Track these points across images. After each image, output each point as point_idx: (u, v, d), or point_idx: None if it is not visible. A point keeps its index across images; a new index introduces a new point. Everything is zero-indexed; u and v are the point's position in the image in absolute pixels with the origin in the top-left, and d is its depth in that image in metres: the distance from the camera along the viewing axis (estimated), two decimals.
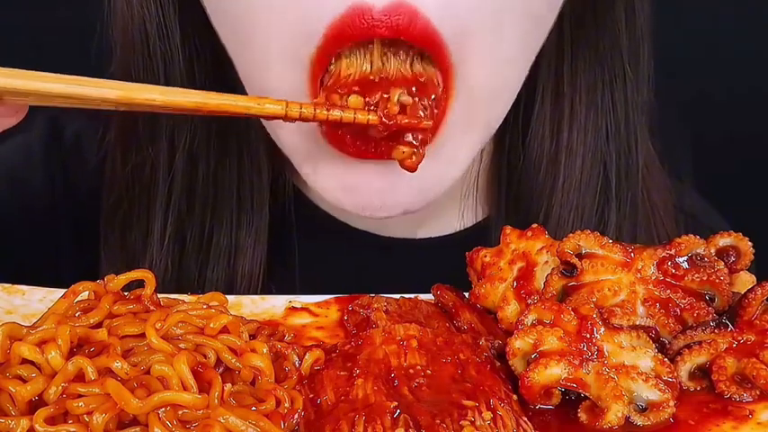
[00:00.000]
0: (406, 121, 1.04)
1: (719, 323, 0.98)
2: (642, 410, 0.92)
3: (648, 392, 0.92)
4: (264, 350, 0.93)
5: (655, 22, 1.36)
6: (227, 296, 1.04)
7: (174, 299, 1.01)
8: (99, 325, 0.92)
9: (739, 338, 0.97)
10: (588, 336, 0.95)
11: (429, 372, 0.93)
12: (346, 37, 1.02)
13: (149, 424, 0.83)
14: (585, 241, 1.03)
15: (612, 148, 1.36)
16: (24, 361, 0.87)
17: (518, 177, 1.40)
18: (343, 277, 1.36)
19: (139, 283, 0.98)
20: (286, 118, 1.03)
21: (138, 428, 0.84)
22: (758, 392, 0.94)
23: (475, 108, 1.11)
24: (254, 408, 0.88)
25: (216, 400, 0.85)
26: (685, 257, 1.02)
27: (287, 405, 0.89)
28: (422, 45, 1.03)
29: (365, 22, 1.00)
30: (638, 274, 1.02)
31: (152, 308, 0.96)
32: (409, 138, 1.05)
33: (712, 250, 1.03)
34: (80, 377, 0.86)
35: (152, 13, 1.28)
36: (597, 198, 1.37)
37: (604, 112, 1.35)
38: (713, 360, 0.96)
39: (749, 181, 2.20)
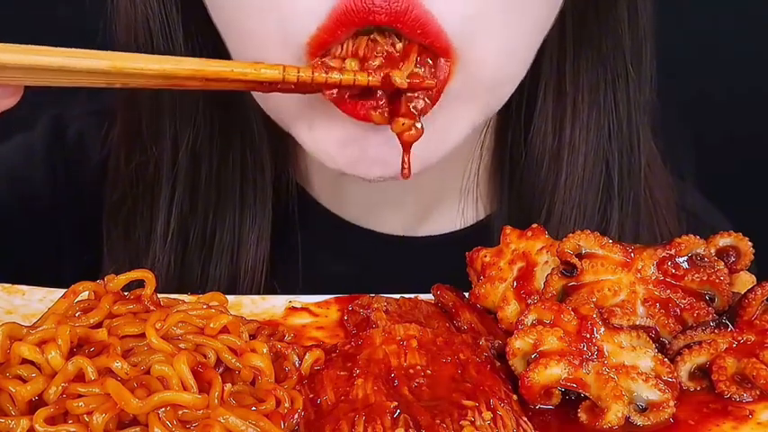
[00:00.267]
0: (408, 81, 1.04)
1: (719, 323, 0.98)
2: (642, 410, 0.92)
3: (648, 392, 0.92)
4: (264, 350, 0.93)
5: (657, 22, 1.36)
6: (227, 296, 1.04)
7: (174, 299, 1.01)
8: (99, 325, 0.92)
9: (739, 338, 0.97)
10: (588, 336, 0.95)
11: (429, 372, 0.93)
12: (346, 21, 1.02)
13: (149, 424, 0.83)
14: (585, 241, 1.03)
15: (615, 146, 1.36)
16: (24, 361, 0.87)
17: (520, 174, 1.40)
18: (345, 274, 1.37)
19: (140, 283, 0.98)
20: (283, 82, 1.02)
21: (138, 428, 0.84)
22: (758, 392, 0.94)
23: (475, 86, 1.11)
24: (254, 408, 0.88)
25: (216, 400, 0.85)
26: (685, 257, 1.02)
27: (287, 405, 0.89)
28: (420, 35, 1.03)
29: (365, 7, 1.00)
30: (638, 274, 1.02)
31: (152, 308, 0.96)
32: (409, 106, 1.05)
33: (712, 250, 1.03)
34: (80, 377, 0.86)
35: (155, 11, 1.28)
36: (599, 196, 1.36)
37: (607, 111, 1.35)
38: (713, 360, 0.96)
39: (749, 181, 2.19)
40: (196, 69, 1.00)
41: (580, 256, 1.03)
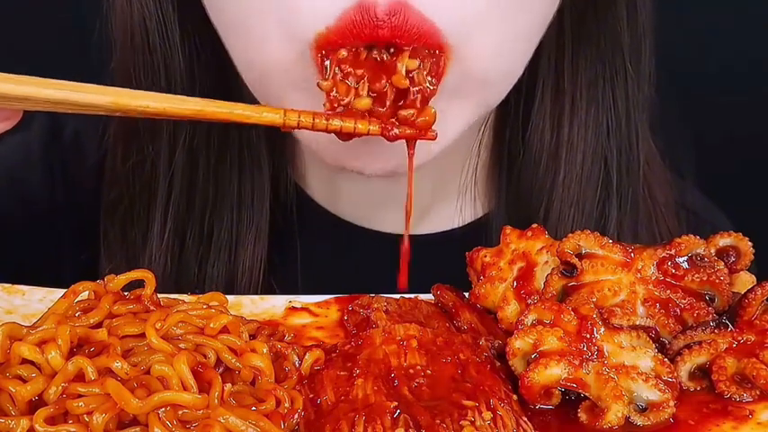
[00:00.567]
0: (409, 131, 1.04)
1: (719, 323, 0.98)
2: (642, 410, 0.92)
3: (648, 392, 0.92)
4: (264, 350, 0.93)
5: (656, 19, 1.35)
6: (227, 296, 1.03)
7: (174, 299, 1.01)
8: (99, 325, 0.92)
9: (739, 338, 0.97)
10: (588, 336, 0.95)
11: (429, 372, 0.93)
12: (349, 35, 1.02)
13: (149, 424, 0.83)
14: (585, 241, 1.03)
15: (613, 144, 1.36)
16: (24, 361, 0.87)
17: (518, 172, 1.39)
18: (344, 273, 1.37)
19: (139, 283, 0.98)
20: (284, 127, 1.02)
21: (138, 428, 0.84)
22: (758, 392, 0.94)
23: (470, 82, 1.11)
24: (254, 408, 0.88)
25: (216, 400, 0.85)
26: (685, 257, 1.02)
27: (287, 405, 0.89)
28: (418, 41, 1.03)
29: (371, 21, 1.01)
30: (638, 275, 1.02)
31: (152, 308, 0.96)
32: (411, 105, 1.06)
33: (712, 250, 1.03)
34: (80, 377, 0.86)
35: (151, 10, 1.27)
36: (598, 194, 1.36)
37: (605, 109, 1.35)
38: (713, 360, 0.96)
39: (749, 181, 2.20)
40: (197, 110, 1.00)
41: (580, 256, 1.03)
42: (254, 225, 1.37)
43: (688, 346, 0.97)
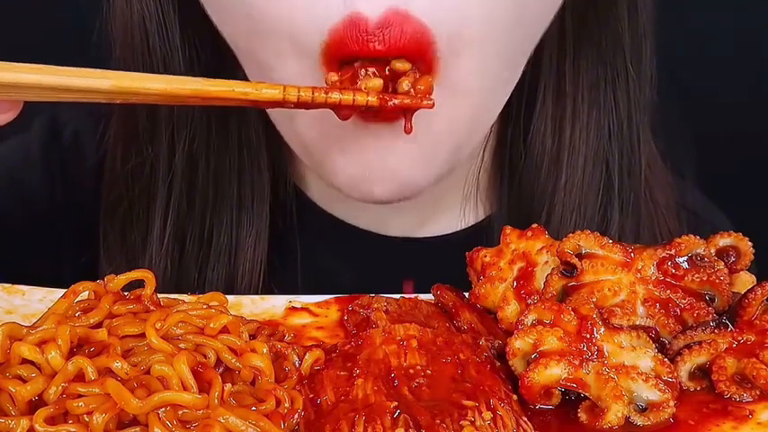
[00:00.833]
0: (408, 101, 1.04)
1: (719, 323, 0.98)
2: (642, 410, 0.92)
3: (648, 392, 0.92)
4: (264, 350, 0.93)
5: (657, 21, 1.35)
6: (227, 296, 1.03)
7: (174, 299, 1.01)
8: (99, 325, 0.92)
9: (739, 338, 0.97)
10: (588, 336, 0.95)
11: (429, 372, 0.93)
12: (345, 50, 1.02)
13: (149, 424, 0.83)
14: (585, 241, 1.03)
15: (615, 146, 1.36)
16: (24, 361, 0.87)
17: (520, 176, 1.39)
18: (344, 276, 1.37)
19: (139, 283, 0.98)
20: (284, 102, 1.01)
21: (138, 428, 0.84)
22: (758, 392, 0.94)
23: (462, 100, 1.11)
24: (254, 408, 0.88)
25: (216, 400, 0.85)
26: (685, 257, 1.02)
27: (287, 405, 0.89)
28: (412, 55, 1.04)
29: (361, 36, 1.01)
30: (638, 275, 1.02)
31: (152, 308, 0.96)
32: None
33: (712, 250, 1.03)
34: (80, 377, 0.86)
35: (151, 11, 1.27)
36: (600, 197, 1.36)
37: (606, 111, 1.34)
38: (713, 360, 0.96)
39: (749, 181, 2.20)
40: (197, 89, 0.99)
41: (580, 256, 1.03)
42: (254, 228, 1.37)
43: (688, 346, 0.97)
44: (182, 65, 1.29)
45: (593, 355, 0.94)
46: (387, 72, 1.05)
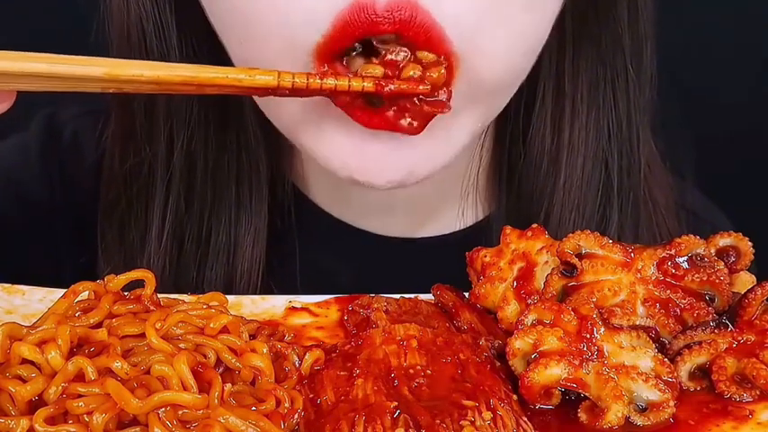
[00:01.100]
0: (404, 86, 1.03)
1: (719, 323, 0.98)
2: (642, 410, 0.92)
3: (648, 392, 0.92)
4: (264, 350, 0.93)
5: (657, 21, 1.35)
6: (227, 296, 1.03)
7: (174, 299, 1.01)
8: (99, 325, 0.92)
9: (739, 338, 0.97)
10: (588, 336, 0.95)
11: (429, 372, 0.93)
12: (349, 33, 1.01)
13: (149, 424, 0.83)
14: (585, 241, 1.03)
15: (614, 146, 1.36)
16: (24, 361, 0.87)
17: (519, 176, 1.39)
18: (343, 276, 1.37)
19: (139, 283, 0.98)
20: (278, 88, 1.00)
21: (138, 428, 0.84)
22: (758, 392, 0.94)
23: (478, 93, 1.11)
24: (254, 408, 0.88)
25: (216, 400, 0.85)
26: (685, 257, 1.02)
27: (287, 405, 0.89)
28: (424, 42, 1.03)
29: (368, 18, 1.00)
30: (638, 275, 1.02)
31: (152, 308, 0.96)
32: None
33: (712, 250, 1.03)
34: (80, 377, 0.86)
35: (148, 11, 1.27)
36: (599, 197, 1.36)
37: (606, 111, 1.34)
38: (713, 360, 0.96)
39: (749, 181, 2.20)
40: (191, 76, 0.98)
41: (580, 256, 1.03)
42: (253, 227, 1.37)
43: (688, 346, 0.97)
44: None
45: (593, 355, 0.94)
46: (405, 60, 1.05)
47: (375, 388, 0.91)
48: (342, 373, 0.94)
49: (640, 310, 1.01)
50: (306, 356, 0.96)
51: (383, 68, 1.03)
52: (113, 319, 0.93)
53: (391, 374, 0.93)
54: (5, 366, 0.87)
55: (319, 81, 1.01)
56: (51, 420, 0.83)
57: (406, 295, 1.12)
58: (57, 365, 0.86)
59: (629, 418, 0.91)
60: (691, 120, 1.45)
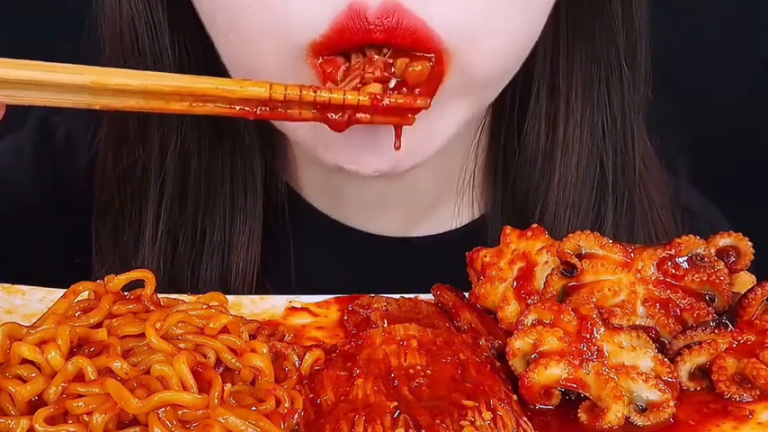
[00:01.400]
0: (401, 100, 1.03)
1: (719, 323, 0.98)
2: (642, 410, 0.92)
3: (648, 392, 0.92)
4: (264, 350, 0.93)
5: (653, 18, 1.35)
6: (227, 296, 1.03)
7: (174, 299, 1.01)
8: (99, 325, 0.92)
9: (739, 338, 0.97)
10: (588, 336, 0.95)
11: (429, 372, 0.93)
12: (346, 38, 1.01)
13: (149, 424, 0.83)
14: (585, 241, 1.03)
15: (609, 144, 1.35)
16: (24, 361, 0.87)
17: (513, 174, 1.39)
18: (338, 275, 1.37)
19: (139, 283, 0.97)
20: (270, 100, 1.00)
21: (137, 428, 0.84)
22: (758, 392, 0.94)
23: (467, 88, 1.11)
24: (254, 408, 0.88)
25: (216, 400, 0.85)
26: (685, 257, 1.02)
27: (287, 405, 0.89)
28: (411, 44, 1.03)
29: (362, 25, 1.00)
30: (638, 275, 1.02)
31: (152, 308, 0.96)
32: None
33: (712, 250, 1.03)
34: (80, 377, 0.86)
35: (140, 10, 1.26)
36: (593, 195, 1.36)
37: (600, 109, 1.34)
38: (713, 360, 0.96)
39: (747, 180, 2.20)
40: (180, 86, 0.98)
41: (580, 256, 1.03)
42: (247, 227, 1.36)
43: (688, 346, 0.97)
44: (171, 65, 1.28)
45: (593, 355, 0.94)
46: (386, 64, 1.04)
47: (375, 388, 0.91)
48: (342, 373, 0.94)
49: (640, 310, 1.01)
50: (306, 356, 0.96)
51: (380, 85, 1.03)
52: (113, 319, 0.93)
53: (391, 374, 0.93)
54: (5, 366, 0.87)
55: (312, 93, 1.00)
56: (51, 420, 0.83)
57: (406, 295, 1.11)
58: (57, 365, 0.86)
59: (629, 418, 0.91)
60: (688, 118, 1.45)
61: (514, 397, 0.94)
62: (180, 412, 0.85)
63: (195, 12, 1.17)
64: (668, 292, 1.01)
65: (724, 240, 1.04)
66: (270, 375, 0.92)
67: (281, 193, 1.41)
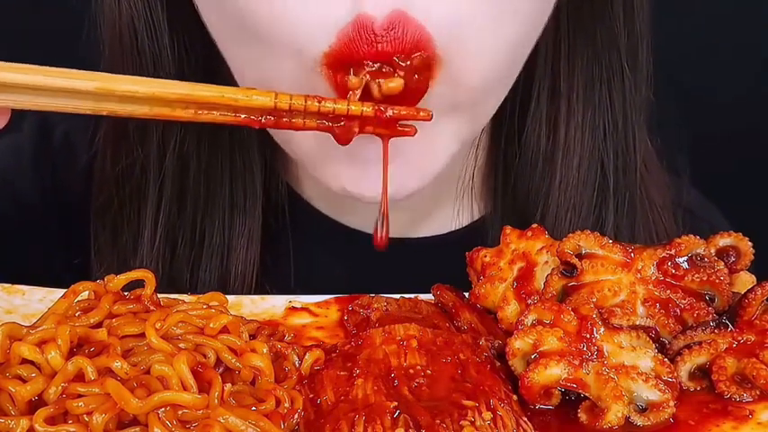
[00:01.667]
0: (404, 111, 1.03)
1: (719, 323, 0.98)
2: (642, 410, 0.92)
3: (648, 392, 0.92)
4: (264, 350, 0.93)
5: (654, 19, 1.35)
6: (227, 296, 1.03)
7: (174, 299, 1.01)
8: (99, 325, 0.92)
9: (739, 338, 0.97)
10: (588, 336, 0.95)
11: (429, 372, 0.93)
12: (354, 50, 1.01)
13: (149, 424, 0.83)
14: (585, 241, 1.03)
15: (610, 146, 1.35)
16: (24, 361, 0.87)
17: (514, 176, 1.39)
18: (338, 276, 1.36)
19: (139, 283, 0.97)
20: (275, 110, 1.00)
21: (137, 428, 0.84)
22: (758, 392, 0.94)
23: (462, 102, 1.11)
24: (254, 408, 0.88)
25: (216, 400, 0.85)
26: (685, 257, 1.02)
27: (287, 405, 0.89)
28: (412, 50, 1.03)
29: (368, 37, 1.00)
30: (638, 275, 1.02)
31: (152, 308, 0.96)
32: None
33: (712, 250, 1.03)
34: (80, 377, 0.86)
35: (139, 10, 1.26)
36: (595, 197, 1.36)
37: (602, 111, 1.34)
38: (713, 360, 0.96)
39: (747, 180, 2.20)
40: (185, 94, 0.98)
41: (580, 256, 1.03)
42: (247, 229, 1.36)
43: (688, 346, 0.97)
44: (171, 65, 1.28)
45: (593, 355, 0.94)
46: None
47: (375, 388, 0.91)
48: (342, 373, 0.94)
49: (640, 310, 1.01)
50: (306, 356, 0.96)
51: (403, 82, 1.03)
52: (113, 319, 0.93)
53: (391, 374, 0.93)
54: (5, 366, 0.87)
55: (317, 104, 1.00)
56: (51, 420, 0.83)
57: (406, 295, 1.11)
58: (57, 365, 0.86)
59: (629, 418, 0.91)
60: (688, 119, 1.44)
61: (514, 397, 0.94)
62: (180, 412, 0.85)
63: (194, 11, 1.17)
64: (668, 292, 1.01)
65: (724, 240, 1.04)
66: (270, 375, 0.92)
67: (281, 194, 1.41)
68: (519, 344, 0.95)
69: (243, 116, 1.01)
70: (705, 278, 1.01)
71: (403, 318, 1.04)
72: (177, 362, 0.86)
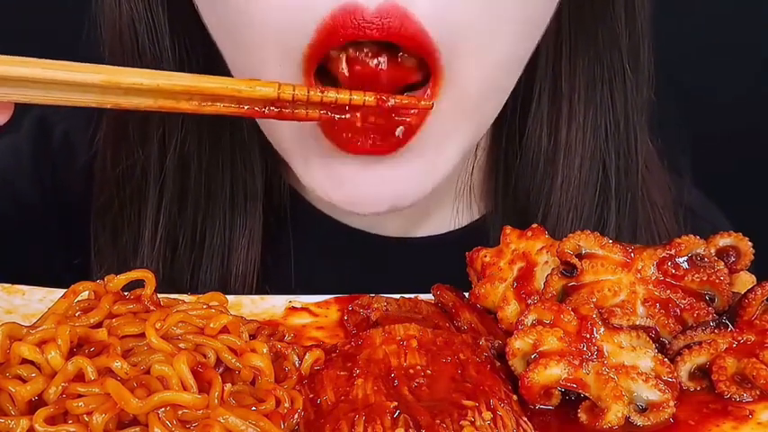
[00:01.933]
0: (406, 101, 1.03)
1: (719, 323, 0.98)
2: (642, 410, 0.92)
3: (648, 392, 0.92)
4: (264, 350, 0.93)
5: (654, 19, 1.35)
6: (227, 296, 1.03)
7: (174, 299, 1.01)
8: (99, 325, 0.92)
9: (739, 338, 0.97)
10: (588, 336, 0.95)
11: (429, 372, 0.93)
12: (337, 36, 1.01)
13: (149, 424, 0.83)
14: (585, 241, 1.03)
15: (612, 147, 1.35)
16: (24, 361, 0.87)
17: (515, 176, 1.39)
18: (339, 277, 1.36)
19: (139, 284, 0.97)
20: (278, 100, 1.01)
21: (137, 428, 0.84)
22: (758, 392, 0.94)
23: (463, 108, 1.11)
24: (254, 408, 0.88)
25: (216, 400, 0.85)
26: (685, 257, 1.02)
27: (287, 405, 0.89)
28: (412, 49, 1.03)
29: (356, 22, 1.00)
30: (638, 275, 1.02)
31: (152, 308, 0.96)
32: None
33: (712, 250, 1.03)
34: (80, 377, 0.86)
35: (140, 11, 1.26)
36: (596, 197, 1.36)
37: (603, 111, 1.34)
38: (713, 360, 0.96)
39: (747, 180, 2.20)
40: (189, 85, 0.99)
41: (580, 256, 1.03)
42: (247, 229, 1.36)
43: (688, 347, 0.97)
44: (172, 65, 1.28)
45: (593, 355, 0.94)
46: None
47: (375, 388, 0.91)
48: (342, 373, 0.94)
49: (640, 310, 1.01)
50: (306, 356, 0.96)
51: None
52: (113, 319, 0.93)
53: (391, 374, 0.93)
54: (5, 366, 0.87)
55: (320, 94, 1.01)
56: (51, 420, 0.83)
57: (407, 295, 1.11)
58: (57, 365, 0.86)
59: (629, 418, 0.91)
60: (689, 119, 1.44)
61: (514, 397, 0.94)
62: (180, 412, 0.85)
63: (195, 12, 1.17)
64: (668, 292, 1.01)
65: (724, 240, 1.04)
66: (270, 375, 0.92)
67: (282, 194, 1.41)
68: (519, 344, 0.95)
69: (246, 107, 1.02)
70: (705, 278, 1.01)
71: (403, 318, 1.04)
72: (177, 362, 0.86)
